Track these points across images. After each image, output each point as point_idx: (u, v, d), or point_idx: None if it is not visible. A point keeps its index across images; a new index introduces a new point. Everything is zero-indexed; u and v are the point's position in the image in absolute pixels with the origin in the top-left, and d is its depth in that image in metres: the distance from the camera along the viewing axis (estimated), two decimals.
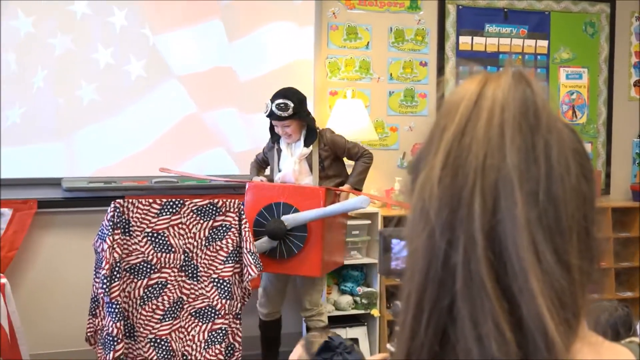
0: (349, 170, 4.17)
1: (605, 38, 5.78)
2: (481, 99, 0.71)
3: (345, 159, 4.20)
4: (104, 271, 3.38)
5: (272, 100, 3.92)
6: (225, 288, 3.63)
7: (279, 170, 4.11)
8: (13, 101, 4.27)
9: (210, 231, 3.66)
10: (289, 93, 3.98)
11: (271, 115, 3.93)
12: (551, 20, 5.63)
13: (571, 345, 0.68)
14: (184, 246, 3.63)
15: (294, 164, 4.04)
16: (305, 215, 3.89)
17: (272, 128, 4.12)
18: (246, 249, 3.64)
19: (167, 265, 3.60)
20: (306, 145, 4.02)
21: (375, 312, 4.56)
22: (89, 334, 3.53)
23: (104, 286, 3.38)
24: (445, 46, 5.38)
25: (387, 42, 5.21)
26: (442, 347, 0.68)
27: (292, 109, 3.89)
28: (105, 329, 3.47)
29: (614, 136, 5.82)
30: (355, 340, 4.57)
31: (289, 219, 3.88)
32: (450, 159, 0.69)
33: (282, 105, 3.88)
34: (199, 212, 3.65)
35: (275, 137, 4.13)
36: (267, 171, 4.33)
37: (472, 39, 5.47)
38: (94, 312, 3.53)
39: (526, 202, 0.67)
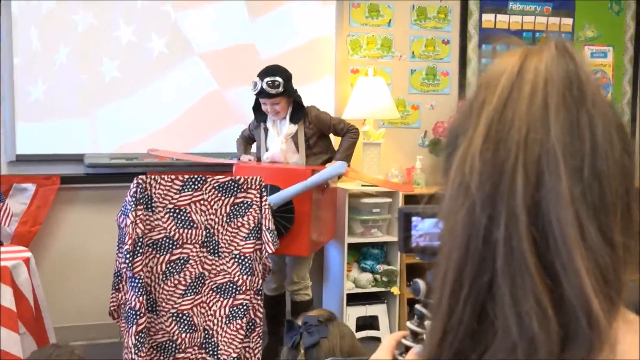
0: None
1: (631, 16, 5.70)
2: (523, 72, 0.70)
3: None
4: (126, 246, 3.41)
5: (261, 78, 3.95)
6: (247, 264, 3.65)
7: (267, 149, 4.13)
8: (36, 78, 4.30)
9: (232, 208, 3.67)
10: (277, 71, 4.02)
11: (261, 92, 3.94)
12: None
13: (613, 323, 0.67)
14: (206, 222, 3.64)
15: (281, 144, 4.06)
16: (287, 192, 3.91)
17: (256, 107, 4.14)
18: (265, 226, 3.65)
19: (188, 241, 3.62)
20: (292, 122, 4.04)
21: (395, 290, 4.56)
22: (112, 308, 3.57)
23: (127, 261, 3.41)
24: (468, 24, 5.33)
25: (409, 19, 5.17)
26: (480, 323, 0.68)
27: (281, 86, 3.91)
28: (128, 303, 3.50)
29: (638, 115, 5.75)
30: (374, 318, 4.59)
31: (273, 199, 3.90)
32: (492, 133, 0.68)
33: (272, 82, 3.91)
34: (221, 189, 3.66)
35: (260, 117, 4.13)
36: (253, 148, 4.36)
37: (496, 16, 5.41)
38: (117, 287, 3.57)
39: (570, 177, 0.66)
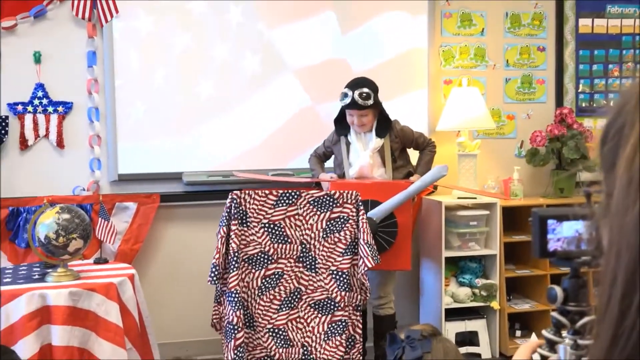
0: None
1: None
2: None
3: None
4: (214, 260, 3.47)
5: (352, 89, 3.95)
6: (344, 280, 3.63)
7: (349, 164, 4.10)
8: (135, 99, 4.42)
9: (328, 223, 3.67)
10: (367, 82, 4.02)
11: (353, 104, 3.92)
12: None
13: None
14: (301, 237, 3.65)
15: (369, 158, 4.02)
16: (390, 203, 3.87)
17: (338, 120, 4.11)
18: (363, 240, 3.63)
19: (283, 256, 3.64)
20: (379, 136, 4.01)
21: (495, 304, 4.45)
22: (214, 320, 3.63)
23: (212, 275, 3.46)
24: (564, 30, 5.18)
25: (503, 27, 5.07)
26: None
27: (372, 98, 3.90)
28: (226, 317, 3.55)
29: None
30: (474, 334, 4.49)
31: (376, 213, 3.86)
32: None
33: (365, 94, 3.90)
34: (316, 204, 3.66)
35: (342, 131, 4.10)
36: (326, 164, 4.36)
37: (593, 21, 5.24)
38: (218, 300, 3.63)
39: None
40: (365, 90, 3.94)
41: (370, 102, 3.93)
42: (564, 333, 1.04)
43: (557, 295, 1.02)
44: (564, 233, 0.98)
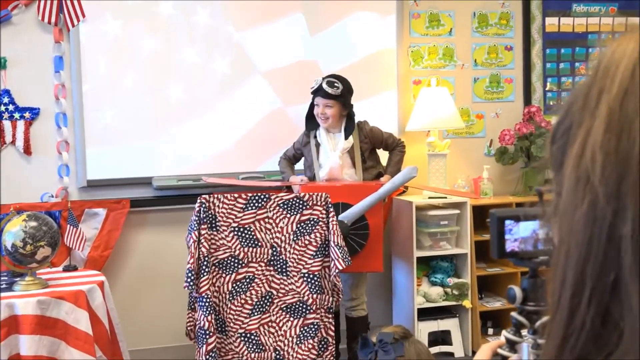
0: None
1: None
2: None
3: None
4: (188, 265, 3.45)
5: (324, 78, 4.04)
6: (316, 283, 3.64)
7: (320, 166, 4.11)
8: (104, 104, 4.39)
9: (298, 225, 3.67)
10: (341, 78, 4.09)
11: (318, 91, 3.96)
12: None
13: None
14: (271, 240, 3.65)
15: (339, 158, 4.04)
16: (361, 205, 3.88)
17: (309, 116, 4.12)
18: (334, 242, 3.63)
19: (254, 260, 3.63)
20: (346, 136, 4.02)
21: (466, 303, 4.48)
22: (188, 328, 3.61)
23: (188, 280, 3.45)
24: (531, 29, 5.22)
25: (471, 27, 5.10)
26: (604, 324, 0.64)
27: (340, 90, 3.92)
28: (197, 322, 3.53)
29: None
30: (447, 333, 4.52)
31: (347, 215, 3.87)
32: (614, 122, 0.64)
33: (335, 84, 3.94)
34: (285, 207, 3.66)
35: (311, 126, 4.13)
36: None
37: (559, 19, 5.29)
38: (192, 306, 3.60)
39: None
40: (336, 81, 3.99)
41: (337, 92, 3.95)
42: (524, 333, 1.04)
43: (516, 296, 1.03)
44: (520, 233, 0.98)
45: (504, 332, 1.07)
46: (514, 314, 1.04)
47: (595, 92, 0.67)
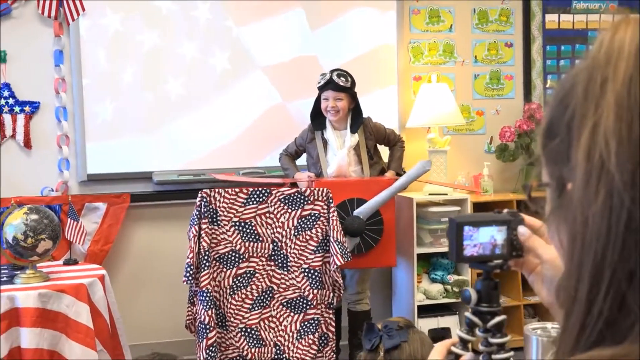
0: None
1: None
2: None
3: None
4: (188, 259, 3.45)
5: (331, 72, 4.02)
6: (316, 278, 3.63)
7: (327, 163, 4.09)
8: (104, 98, 4.37)
9: (299, 220, 3.66)
10: (347, 71, 4.09)
11: (328, 84, 3.94)
12: None
13: None
14: (272, 235, 3.64)
15: (346, 155, 4.03)
16: (377, 201, 3.88)
17: (314, 114, 4.10)
18: (334, 237, 3.62)
19: (254, 255, 3.63)
20: (352, 131, 4.01)
21: None
22: (188, 321, 3.60)
23: (187, 274, 3.44)
24: (531, 25, 5.22)
25: (471, 23, 5.10)
26: (619, 310, 0.64)
27: (350, 83, 3.94)
28: (198, 317, 3.53)
29: None
30: (447, 330, 4.51)
31: (363, 211, 3.86)
32: (623, 110, 0.63)
33: (344, 76, 3.93)
34: (287, 201, 3.65)
35: (318, 125, 4.10)
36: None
37: (559, 16, 5.30)
38: (192, 300, 3.60)
39: None
40: (344, 73, 3.99)
41: (348, 84, 3.96)
42: (477, 332, 1.07)
43: (471, 297, 1.06)
44: (480, 239, 1.01)
45: (457, 331, 1.10)
46: (467, 313, 1.07)
47: (596, 84, 0.66)
